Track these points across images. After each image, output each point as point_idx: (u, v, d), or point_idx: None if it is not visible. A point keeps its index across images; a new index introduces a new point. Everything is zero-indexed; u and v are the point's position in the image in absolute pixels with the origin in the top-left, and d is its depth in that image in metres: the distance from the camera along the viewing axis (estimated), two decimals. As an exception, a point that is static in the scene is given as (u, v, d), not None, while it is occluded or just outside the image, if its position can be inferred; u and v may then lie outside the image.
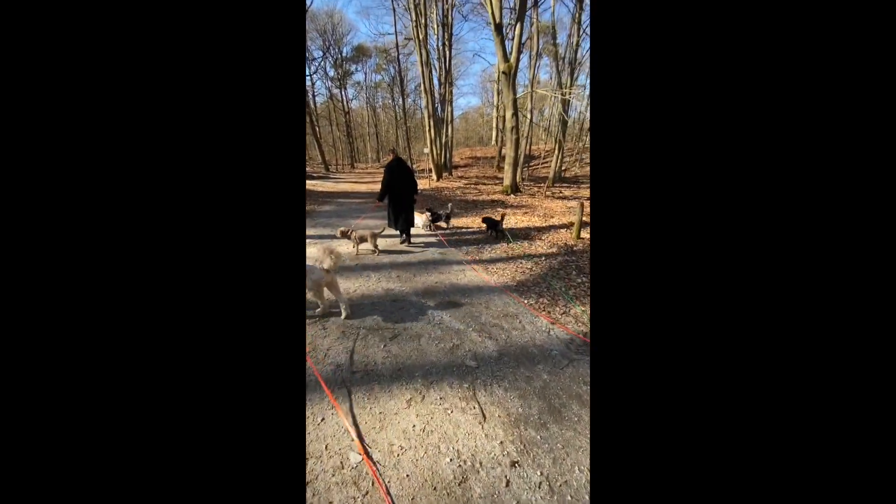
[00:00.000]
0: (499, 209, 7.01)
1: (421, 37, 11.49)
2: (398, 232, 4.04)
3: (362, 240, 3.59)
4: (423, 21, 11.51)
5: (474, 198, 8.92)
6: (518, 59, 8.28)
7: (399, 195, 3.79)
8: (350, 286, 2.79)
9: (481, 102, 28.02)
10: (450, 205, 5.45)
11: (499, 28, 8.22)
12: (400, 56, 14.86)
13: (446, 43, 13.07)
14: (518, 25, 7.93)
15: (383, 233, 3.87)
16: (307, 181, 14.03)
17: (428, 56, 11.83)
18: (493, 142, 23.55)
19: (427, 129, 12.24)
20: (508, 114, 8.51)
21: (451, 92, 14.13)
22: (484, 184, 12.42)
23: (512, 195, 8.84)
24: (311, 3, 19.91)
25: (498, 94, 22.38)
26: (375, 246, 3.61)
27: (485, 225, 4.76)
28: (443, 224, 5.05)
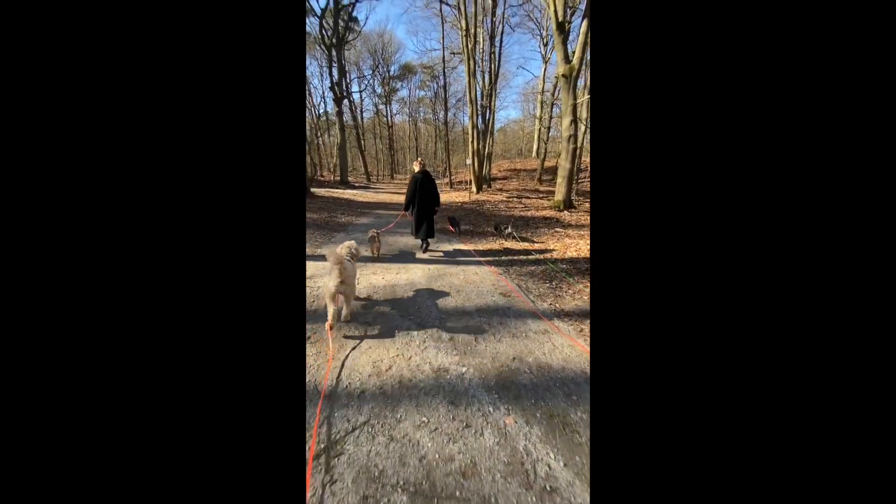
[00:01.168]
0: (557, 229, 5.73)
1: (469, 46, 10.71)
2: (420, 242, 3.89)
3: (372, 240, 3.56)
4: (472, 31, 10.75)
5: (522, 213, 7.70)
6: (582, 60, 7.03)
7: (423, 206, 3.66)
8: (382, 356, 1.78)
9: (522, 115, 26.78)
10: (456, 217, 5.70)
11: (561, 27, 7.07)
12: (445, 69, 14.35)
13: (493, 54, 12.19)
14: (584, 22, 6.72)
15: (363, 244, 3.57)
16: (349, 190, 13.88)
17: (475, 66, 11.01)
18: (534, 154, 22.10)
19: (470, 139, 11.33)
20: (566, 121, 7.23)
21: (495, 102, 13.14)
22: (528, 197, 11.12)
23: (566, 211, 7.47)
24: (365, 24, 20.58)
25: (542, 105, 21.02)
26: (375, 251, 3.56)
27: (492, 227, 5.21)
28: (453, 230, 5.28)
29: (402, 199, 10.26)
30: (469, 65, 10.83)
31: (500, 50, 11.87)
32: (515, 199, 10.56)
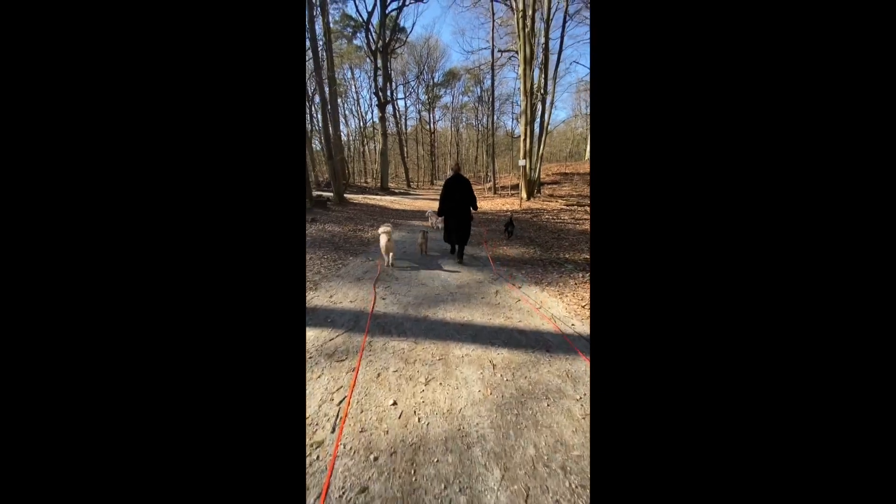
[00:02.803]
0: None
1: (527, 29, 8.72)
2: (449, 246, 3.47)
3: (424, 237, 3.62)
4: (529, 12, 8.75)
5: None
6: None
7: (452, 209, 3.15)
8: None
9: (572, 114, 23.54)
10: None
11: None
12: (494, 65, 12.54)
13: (546, 45, 10.00)
14: None
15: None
16: (387, 196, 12.79)
17: (531, 52, 8.96)
18: (587, 157, 18.98)
19: (522, 138, 9.29)
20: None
21: (555, 94, 10.81)
22: (589, 205, 8.69)
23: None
24: (412, 31, 19.74)
25: (598, 102, 17.87)
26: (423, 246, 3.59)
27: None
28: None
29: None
30: (524, 51, 8.83)
31: (562, 32, 9.64)
32: (577, 207, 8.22)
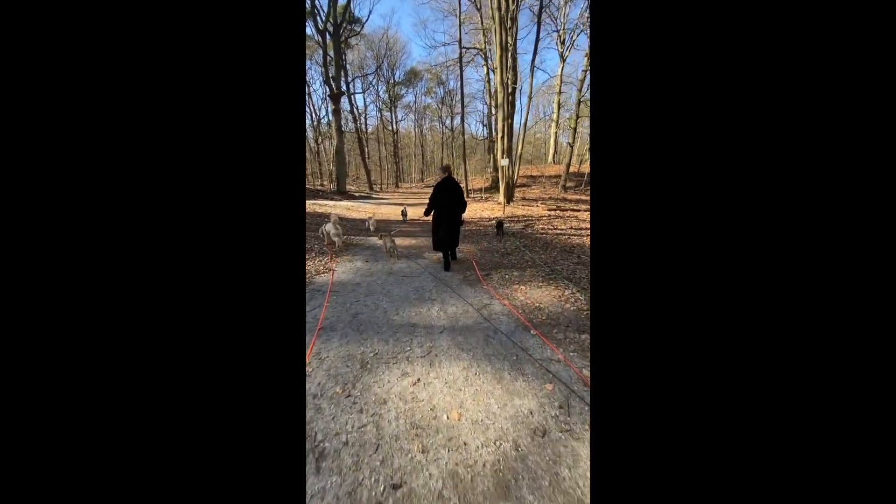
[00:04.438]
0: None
1: (502, 11, 7.37)
2: (440, 252, 3.16)
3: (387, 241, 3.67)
4: (502, -7, 7.41)
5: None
6: None
7: (444, 215, 2.93)
8: None
9: (533, 121, 23.41)
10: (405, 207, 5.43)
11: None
12: (462, 56, 11.11)
13: (513, 48, 8.87)
14: None
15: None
16: (344, 201, 10.47)
17: (506, 37, 7.65)
18: (550, 159, 18.74)
19: (500, 136, 7.95)
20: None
21: (532, 88, 9.69)
22: (576, 209, 7.73)
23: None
24: (367, 20, 17.40)
25: (559, 106, 17.71)
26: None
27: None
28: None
29: (411, 213, 6.94)
30: (500, 36, 7.48)
31: (538, 24, 8.52)
32: (567, 215, 7.15)
